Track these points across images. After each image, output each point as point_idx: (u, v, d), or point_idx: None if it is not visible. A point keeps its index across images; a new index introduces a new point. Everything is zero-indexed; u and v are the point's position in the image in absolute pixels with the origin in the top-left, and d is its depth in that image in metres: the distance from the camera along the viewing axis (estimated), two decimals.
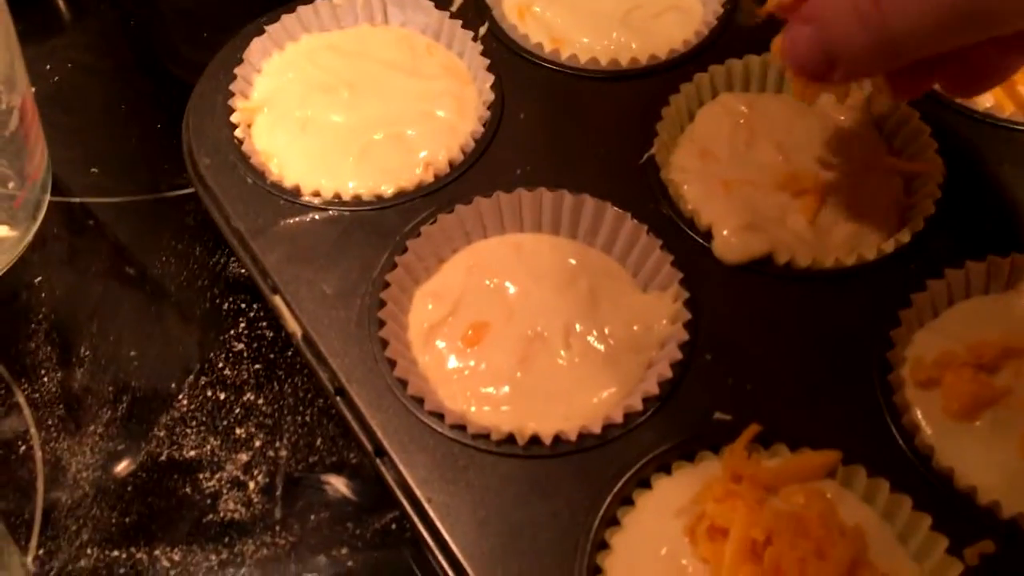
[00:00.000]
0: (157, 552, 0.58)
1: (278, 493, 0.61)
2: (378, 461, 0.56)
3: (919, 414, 0.57)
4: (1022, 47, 0.51)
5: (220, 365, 0.66)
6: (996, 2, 0.43)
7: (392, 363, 0.58)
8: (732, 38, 0.74)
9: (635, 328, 0.61)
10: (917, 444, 0.55)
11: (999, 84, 0.53)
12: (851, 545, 0.50)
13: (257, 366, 0.66)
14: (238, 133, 0.69)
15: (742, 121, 0.69)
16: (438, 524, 0.53)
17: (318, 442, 0.63)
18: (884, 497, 0.53)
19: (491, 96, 0.70)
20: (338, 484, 0.61)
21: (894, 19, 0.44)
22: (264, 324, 0.68)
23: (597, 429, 0.56)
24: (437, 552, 0.53)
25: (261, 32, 0.73)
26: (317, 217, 0.65)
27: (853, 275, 0.62)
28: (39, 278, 0.70)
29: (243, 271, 0.71)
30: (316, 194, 0.66)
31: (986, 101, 0.70)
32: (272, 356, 0.67)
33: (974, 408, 0.56)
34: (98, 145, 0.80)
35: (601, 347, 0.61)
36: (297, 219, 0.65)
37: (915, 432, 0.56)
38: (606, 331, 0.61)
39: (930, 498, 0.53)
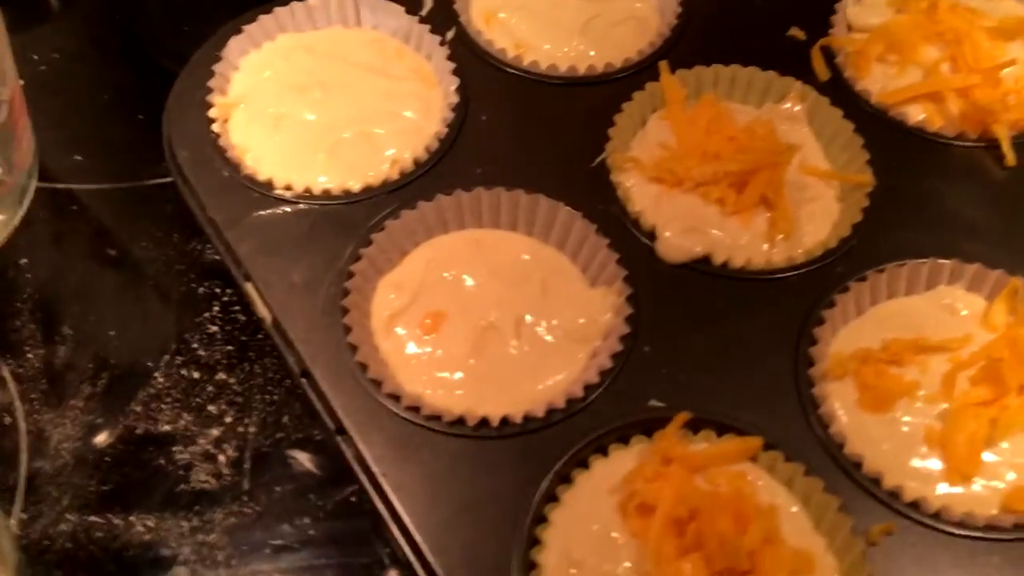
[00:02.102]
0: (132, 518, 0.63)
1: (246, 466, 0.65)
2: (339, 439, 0.61)
3: (836, 406, 0.62)
4: None
5: (195, 346, 0.71)
6: None
7: (354, 348, 0.63)
8: (685, 49, 0.79)
9: (581, 321, 0.66)
10: (832, 433, 0.60)
11: None
12: (766, 523, 0.56)
13: (230, 347, 0.71)
14: (215, 128, 0.73)
15: (688, 129, 0.73)
16: (392, 498, 0.58)
17: (285, 420, 0.67)
18: (799, 480, 0.58)
19: (456, 99, 0.75)
20: (303, 459, 0.66)
21: None
22: (237, 308, 0.73)
23: (541, 413, 0.60)
24: (391, 524, 0.58)
25: (239, 31, 0.77)
26: (288, 210, 0.69)
27: (783, 276, 0.67)
28: (24, 259, 0.74)
29: (218, 258, 0.75)
30: (288, 188, 0.70)
31: (917, 115, 0.75)
32: (244, 339, 0.71)
33: (885, 401, 0.62)
34: (82, 132, 0.83)
35: (549, 337, 0.65)
36: (269, 211, 0.69)
37: (831, 422, 0.61)
38: (554, 323, 0.66)
39: (841, 482, 0.58)
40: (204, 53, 0.77)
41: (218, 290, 0.73)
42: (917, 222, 0.70)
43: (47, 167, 0.78)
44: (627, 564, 0.56)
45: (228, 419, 0.67)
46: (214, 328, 0.72)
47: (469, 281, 0.68)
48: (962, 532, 0.57)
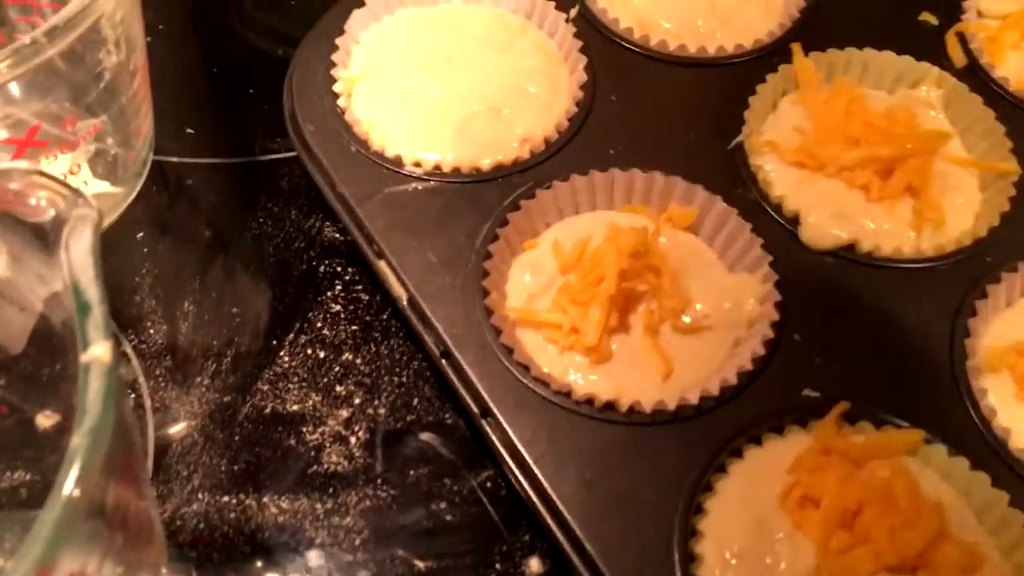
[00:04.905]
0: (266, 499, 0.61)
1: (378, 448, 0.64)
2: (484, 422, 0.59)
3: (994, 399, 0.60)
4: None
5: (319, 325, 0.69)
6: None
7: (497, 330, 0.61)
8: (814, 32, 0.76)
9: (727, 306, 0.64)
10: (994, 427, 0.58)
11: None
12: (936, 517, 0.54)
13: (354, 327, 0.69)
14: (340, 102, 0.72)
15: (825, 113, 0.71)
16: (544, 483, 0.56)
17: (415, 402, 0.66)
18: (963, 475, 0.56)
19: (584, 77, 0.73)
20: (435, 443, 0.64)
21: None
22: (359, 288, 0.71)
23: (694, 400, 0.59)
24: (541, 509, 0.56)
25: (361, 4, 0.75)
26: (420, 187, 0.67)
27: (933, 265, 0.65)
28: (141, 233, 0.73)
29: (339, 236, 0.73)
30: (417, 164, 0.68)
31: None
32: (368, 319, 0.69)
33: None
34: (190, 108, 0.82)
35: (691, 323, 0.63)
36: (401, 188, 0.67)
37: (992, 416, 0.59)
38: (697, 308, 0.64)
39: (1005, 478, 0.56)
40: (324, 26, 0.75)
41: (339, 268, 0.72)
42: None
43: (158, 141, 0.77)
44: (790, 557, 0.54)
45: (357, 400, 0.65)
46: (337, 307, 0.70)
47: None
48: None
